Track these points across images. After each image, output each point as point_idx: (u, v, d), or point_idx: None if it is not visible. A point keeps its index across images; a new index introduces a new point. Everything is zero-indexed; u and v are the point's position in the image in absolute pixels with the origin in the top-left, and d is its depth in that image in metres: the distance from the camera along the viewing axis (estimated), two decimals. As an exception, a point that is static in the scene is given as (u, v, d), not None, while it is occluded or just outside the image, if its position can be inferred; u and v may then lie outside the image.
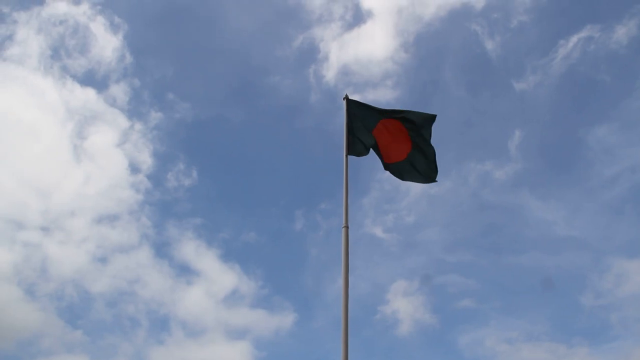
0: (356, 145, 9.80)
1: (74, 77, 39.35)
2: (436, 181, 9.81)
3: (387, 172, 10.00)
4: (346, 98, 9.86)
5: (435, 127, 9.80)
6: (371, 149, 9.91)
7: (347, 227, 8.32)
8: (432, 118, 9.72)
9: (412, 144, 9.82)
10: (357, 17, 38.09)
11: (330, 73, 37.67)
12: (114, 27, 38.33)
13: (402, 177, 9.94)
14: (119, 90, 40.85)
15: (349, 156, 9.38)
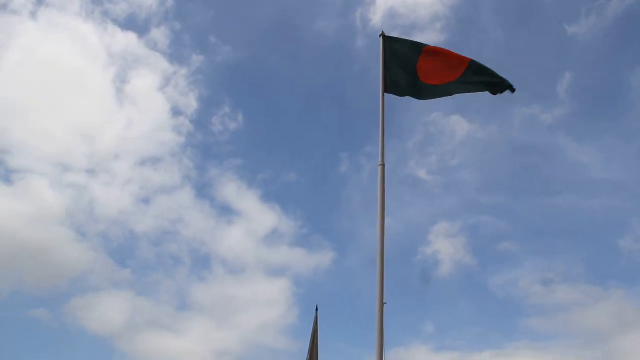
0: (394, 84, 9.55)
1: (115, 21, 39.47)
2: (513, 90, 9.17)
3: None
4: (382, 35, 9.63)
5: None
6: (411, 92, 9.58)
7: (383, 165, 8.34)
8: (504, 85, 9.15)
9: (469, 62, 9.27)
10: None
11: (376, 16, 36.61)
12: (154, -28, 37.93)
13: (451, 93, 9.47)
14: (160, 34, 40.81)
15: (386, 95, 9.19)
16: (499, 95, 9.21)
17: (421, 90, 9.60)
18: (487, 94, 9.31)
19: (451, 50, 9.47)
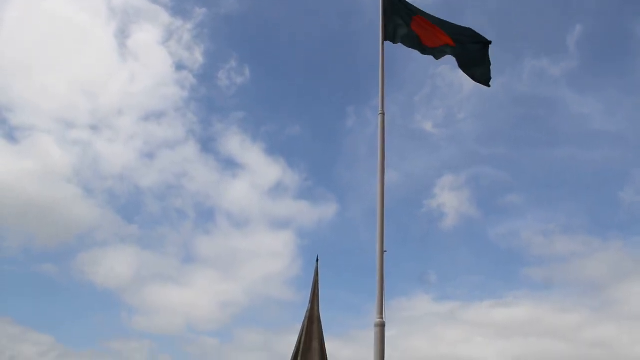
0: (393, 32, 9.47)
1: (115, -26, 38.41)
2: (489, 86, 9.37)
3: (441, 66, 9.62)
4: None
5: (491, 26, 9.08)
6: (409, 43, 9.53)
7: (383, 113, 8.30)
8: (485, 43, 9.19)
9: (456, 43, 9.34)
10: None
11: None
12: None
13: (438, 57, 9.49)
14: (161, -14, 39.72)
15: (394, 47, 9.22)
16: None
17: (416, 45, 9.59)
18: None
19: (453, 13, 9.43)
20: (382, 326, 7.27)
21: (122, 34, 39.29)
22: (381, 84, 8.56)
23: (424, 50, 9.58)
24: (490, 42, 9.21)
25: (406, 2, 9.51)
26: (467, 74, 9.44)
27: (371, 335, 7.31)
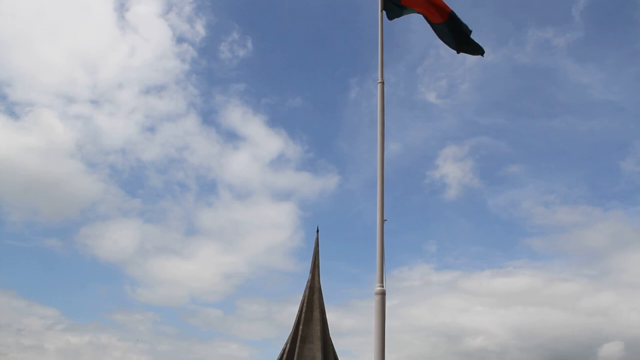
0: (391, 3, 9.40)
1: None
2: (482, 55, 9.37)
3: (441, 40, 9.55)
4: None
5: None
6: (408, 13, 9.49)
7: (382, 82, 8.28)
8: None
9: (449, 14, 9.33)
10: None
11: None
12: None
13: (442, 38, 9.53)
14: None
15: (398, 20, 9.21)
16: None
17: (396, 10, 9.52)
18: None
19: None
20: (382, 294, 7.34)
21: (122, 7, 38.75)
22: (380, 52, 8.53)
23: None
24: (471, 32, 9.29)
25: None
26: (463, 51, 9.41)
27: (372, 305, 7.39)
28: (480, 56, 9.42)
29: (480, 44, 9.36)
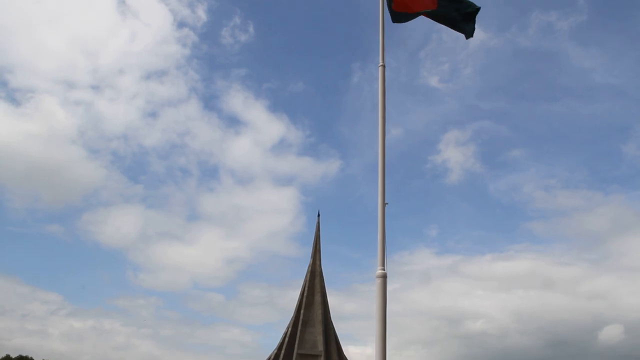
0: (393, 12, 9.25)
1: None
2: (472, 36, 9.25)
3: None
4: None
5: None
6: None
7: (383, 66, 8.25)
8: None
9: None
10: None
11: None
12: None
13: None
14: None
15: None
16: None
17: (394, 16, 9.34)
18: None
19: None
20: (383, 277, 7.37)
21: (121, -9, 38.43)
22: (381, 35, 8.48)
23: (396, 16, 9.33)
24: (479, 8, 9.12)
25: None
26: (456, 30, 9.26)
27: (373, 289, 7.42)
28: (470, 38, 9.25)
29: (482, 28, 9.22)
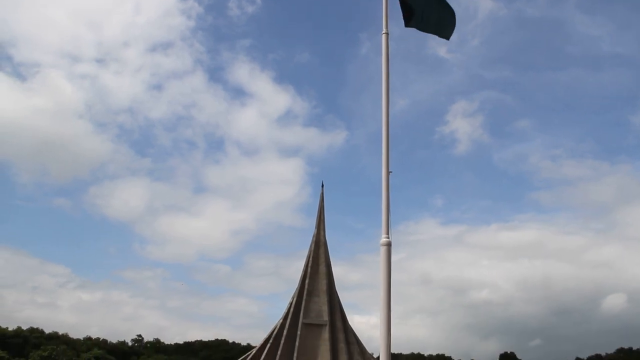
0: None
1: None
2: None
3: None
4: None
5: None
6: None
7: (387, 33, 8.19)
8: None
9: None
10: None
11: None
12: None
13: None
14: None
15: None
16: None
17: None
18: None
19: None
20: (388, 245, 7.42)
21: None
22: (385, 4, 8.35)
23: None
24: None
25: None
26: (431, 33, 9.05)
27: (377, 259, 7.48)
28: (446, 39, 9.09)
29: None
